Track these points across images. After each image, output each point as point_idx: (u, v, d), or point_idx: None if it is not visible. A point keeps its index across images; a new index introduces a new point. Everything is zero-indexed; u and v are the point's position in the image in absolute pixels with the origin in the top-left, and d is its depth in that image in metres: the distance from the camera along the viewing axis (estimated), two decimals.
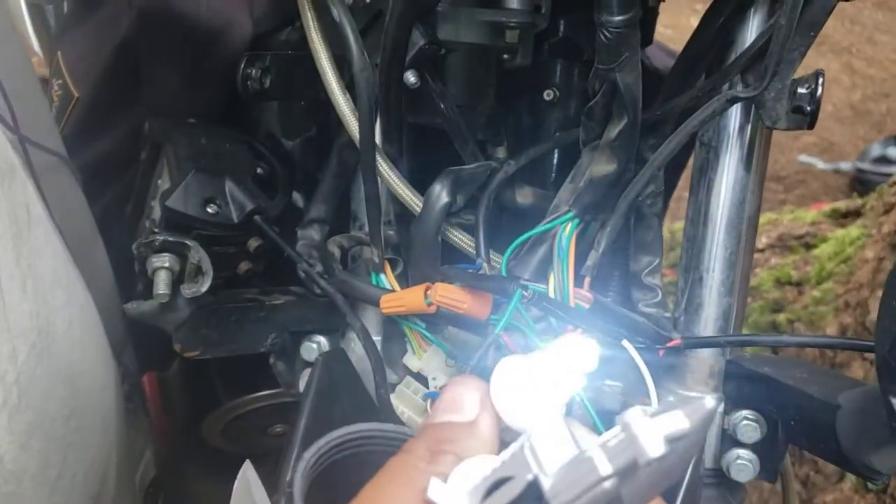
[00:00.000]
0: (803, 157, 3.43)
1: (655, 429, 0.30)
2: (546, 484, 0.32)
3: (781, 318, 1.86)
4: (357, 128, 0.61)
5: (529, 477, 0.33)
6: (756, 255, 2.23)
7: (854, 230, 1.93)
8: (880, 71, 3.93)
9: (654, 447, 0.30)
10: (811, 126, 0.57)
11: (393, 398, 0.66)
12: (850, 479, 1.58)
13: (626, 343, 0.57)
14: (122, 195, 0.84)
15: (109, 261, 0.85)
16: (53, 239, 0.62)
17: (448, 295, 0.59)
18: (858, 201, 2.11)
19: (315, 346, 0.76)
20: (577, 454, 0.33)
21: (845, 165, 3.34)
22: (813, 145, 3.51)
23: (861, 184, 3.11)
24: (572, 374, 0.39)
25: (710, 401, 0.30)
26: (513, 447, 0.36)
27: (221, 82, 0.76)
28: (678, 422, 0.30)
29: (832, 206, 2.15)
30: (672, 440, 0.30)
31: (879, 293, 1.68)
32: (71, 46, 0.88)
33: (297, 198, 0.84)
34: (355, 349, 0.75)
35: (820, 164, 3.39)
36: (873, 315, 1.65)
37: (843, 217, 2.09)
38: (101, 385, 0.63)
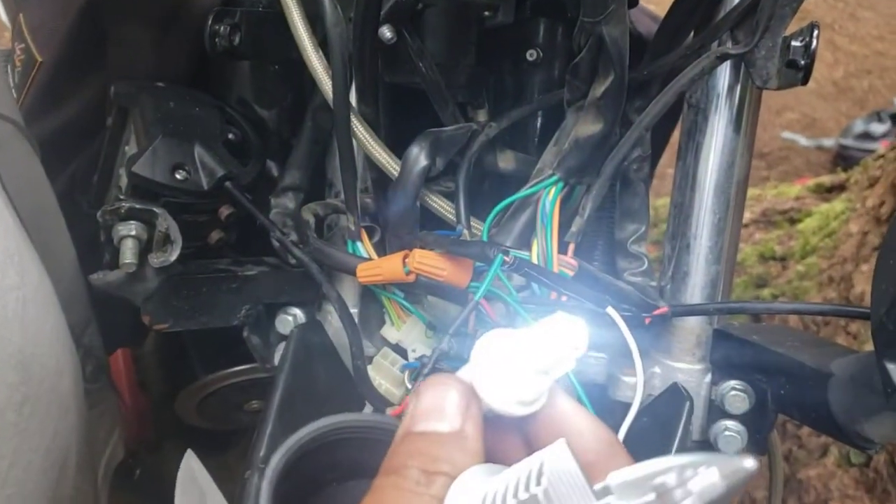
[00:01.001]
0: (786, 134, 3.42)
1: (690, 497, 0.28)
2: None
3: (765, 293, 1.85)
4: (330, 87, 0.58)
5: None
6: None
7: (838, 204, 1.92)
8: (863, 47, 3.92)
9: None
10: (805, 81, 0.54)
11: (370, 370, 0.63)
12: (833, 453, 1.58)
13: (611, 310, 0.54)
14: (89, 164, 0.80)
15: (74, 235, 0.81)
16: (5, 215, 0.58)
17: (426, 262, 0.56)
18: (843, 176, 2.10)
19: (290, 318, 0.73)
20: None
21: (828, 142, 3.33)
22: (796, 122, 3.50)
23: (844, 160, 3.10)
24: (562, 356, 0.36)
25: (749, 462, 0.27)
26: (514, 473, 0.33)
27: (191, 43, 0.72)
28: (713, 487, 0.28)
29: (816, 181, 2.13)
30: None
31: (864, 267, 1.67)
32: (34, 9, 0.85)
33: (272, 166, 0.80)
34: (332, 321, 0.73)
35: (803, 141, 3.38)
36: (857, 289, 1.64)
37: (828, 191, 2.08)
38: (57, 369, 0.60)
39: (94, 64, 0.78)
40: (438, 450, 0.37)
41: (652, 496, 0.28)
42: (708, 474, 0.28)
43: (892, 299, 0.45)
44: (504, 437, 0.41)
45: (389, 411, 0.56)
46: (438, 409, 0.38)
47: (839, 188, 2.04)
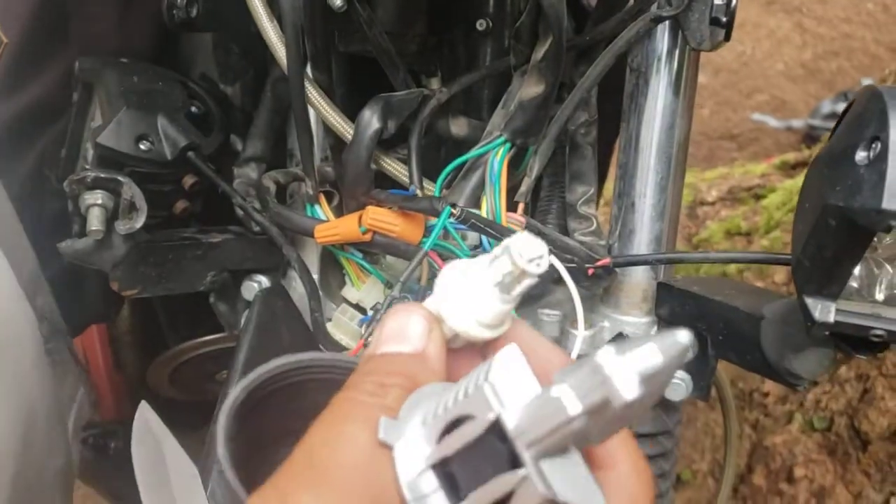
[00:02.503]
0: (756, 116, 3.47)
1: (629, 368, 0.28)
2: (510, 423, 0.31)
3: (731, 267, 1.89)
4: (285, 55, 0.61)
5: (491, 416, 0.31)
6: (706, 209, 2.26)
7: (802, 180, 1.97)
8: (830, 30, 3.98)
9: (628, 389, 0.28)
10: (727, 37, 0.58)
11: (330, 326, 0.66)
12: (798, 420, 1.62)
13: (553, 258, 0.57)
14: (57, 140, 0.82)
15: (43, 211, 0.84)
16: None
17: (379, 218, 0.59)
18: (807, 153, 2.15)
19: (255, 285, 0.76)
20: (542, 392, 0.31)
21: (797, 123, 3.39)
22: (765, 104, 3.56)
23: (812, 140, 3.16)
24: (522, 272, 0.36)
25: (683, 335, 0.28)
26: (466, 380, 0.34)
27: (153, 18, 0.75)
28: (652, 358, 0.28)
29: (781, 158, 2.18)
30: (646, 379, 0.28)
31: None
32: None
33: (236, 141, 0.83)
34: (296, 287, 0.76)
35: (772, 122, 3.43)
36: None
37: (792, 168, 2.12)
38: (15, 336, 0.62)
39: (59, 42, 0.80)
40: (394, 366, 0.38)
41: (595, 376, 0.29)
42: (646, 349, 0.28)
43: (806, 238, 0.48)
44: (466, 365, 0.40)
45: (347, 353, 0.59)
46: (401, 333, 0.39)
47: (803, 165, 2.08)
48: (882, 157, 0.42)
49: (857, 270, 0.49)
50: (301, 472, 0.33)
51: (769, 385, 1.70)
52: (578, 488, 0.32)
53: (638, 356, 0.29)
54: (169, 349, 0.90)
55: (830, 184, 0.46)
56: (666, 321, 0.69)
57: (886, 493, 1.40)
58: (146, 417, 0.61)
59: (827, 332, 0.50)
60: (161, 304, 0.96)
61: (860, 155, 0.44)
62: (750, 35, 3.83)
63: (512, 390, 0.32)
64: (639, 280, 0.69)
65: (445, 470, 0.33)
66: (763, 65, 3.77)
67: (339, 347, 0.64)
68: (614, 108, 0.73)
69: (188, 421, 1.04)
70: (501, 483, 0.31)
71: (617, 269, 0.68)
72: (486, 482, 0.31)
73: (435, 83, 0.71)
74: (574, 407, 0.29)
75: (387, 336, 0.39)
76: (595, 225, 0.73)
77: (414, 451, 0.33)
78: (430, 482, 0.33)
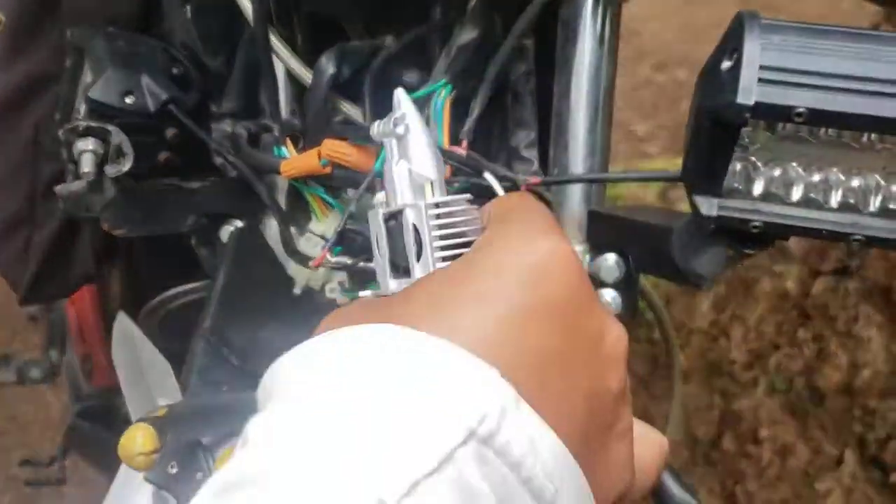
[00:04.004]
0: None
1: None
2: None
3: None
4: (251, 10, 0.69)
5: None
6: (678, 191, 2.35)
7: None
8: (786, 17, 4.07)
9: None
10: None
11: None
12: (762, 384, 1.71)
13: (488, 175, 0.66)
14: (50, 107, 0.91)
15: (38, 174, 0.93)
16: None
17: (335, 148, 0.68)
18: None
19: (233, 228, 0.84)
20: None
21: None
22: None
23: None
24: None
25: None
26: None
27: None
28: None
29: None
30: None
31: None
32: None
33: (212, 105, 0.91)
34: (269, 233, 0.84)
35: None
36: None
37: None
38: None
39: (52, 17, 0.88)
40: None
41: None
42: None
43: (689, 144, 0.57)
44: None
45: (311, 263, 0.67)
46: None
47: None
48: (738, 63, 0.51)
49: (736, 171, 0.58)
50: None
51: (735, 353, 1.79)
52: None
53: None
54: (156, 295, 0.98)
55: (703, 92, 0.54)
56: (597, 246, 0.77)
57: (841, 445, 1.48)
58: (125, 325, 0.70)
59: (713, 226, 0.58)
60: (147, 257, 1.04)
61: (724, 64, 0.53)
62: None
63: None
64: (573, 210, 0.78)
65: None
66: None
67: (306, 260, 0.72)
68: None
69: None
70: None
71: (553, 202, 0.77)
72: None
73: (389, 40, 0.80)
74: None
75: None
76: (536, 166, 0.82)
77: None
78: None
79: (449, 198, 0.46)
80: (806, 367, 1.56)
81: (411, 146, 0.48)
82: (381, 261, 0.48)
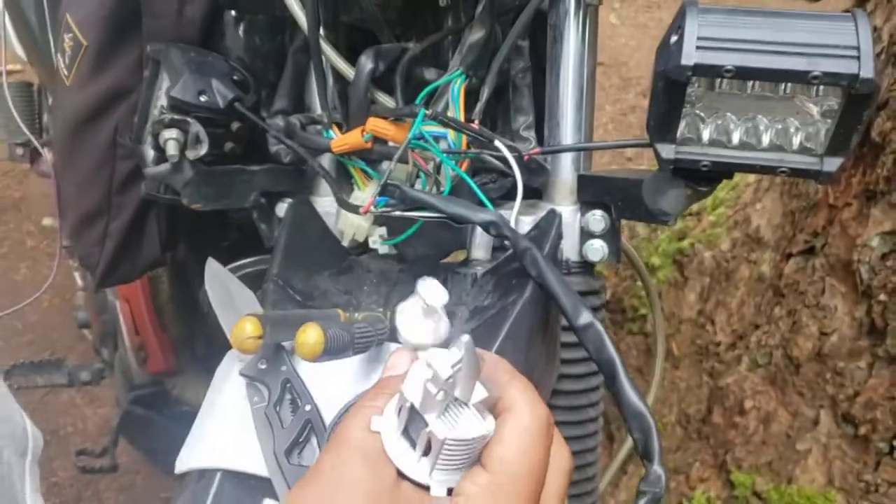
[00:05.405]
0: None
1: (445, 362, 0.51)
2: (417, 404, 0.53)
3: (685, 243, 2.16)
4: (305, 20, 0.88)
5: (408, 403, 0.53)
6: None
7: None
8: None
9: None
10: None
11: (342, 214, 0.92)
12: (745, 361, 1.87)
13: (498, 142, 0.84)
14: (129, 112, 1.09)
15: (118, 171, 1.10)
16: None
17: (377, 124, 0.86)
18: None
19: (287, 204, 1.02)
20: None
21: None
22: None
23: None
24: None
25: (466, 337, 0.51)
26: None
27: (203, 12, 1.02)
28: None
29: None
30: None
31: (757, 206, 1.97)
32: (77, 8, 1.14)
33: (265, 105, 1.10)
34: (319, 207, 1.02)
35: None
36: (754, 224, 1.96)
37: None
38: None
39: (131, 36, 1.07)
40: (386, 383, 0.60)
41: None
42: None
43: (649, 104, 0.75)
44: None
45: (360, 210, 0.84)
46: (393, 365, 0.64)
47: None
48: (681, 36, 0.69)
49: (687, 123, 0.76)
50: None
51: (720, 336, 1.96)
52: (461, 425, 0.52)
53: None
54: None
55: (658, 60, 0.73)
56: (586, 203, 0.95)
57: (816, 407, 1.65)
58: (214, 267, 0.87)
59: (672, 167, 0.76)
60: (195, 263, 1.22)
61: (672, 38, 0.71)
62: None
63: (415, 386, 0.53)
64: (566, 175, 0.96)
65: (408, 436, 0.54)
66: None
67: (356, 208, 0.88)
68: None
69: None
70: (424, 436, 0.52)
71: (547, 167, 0.95)
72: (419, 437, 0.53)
73: (412, 44, 0.99)
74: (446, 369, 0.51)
75: (386, 369, 0.65)
76: (533, 143, 1.00)
77: (390, 429, 0.55)
78: (402, 444, 0.54)
79: (463, 437, 0.52)
80: (783, 340, 1.73)
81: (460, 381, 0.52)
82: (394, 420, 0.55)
